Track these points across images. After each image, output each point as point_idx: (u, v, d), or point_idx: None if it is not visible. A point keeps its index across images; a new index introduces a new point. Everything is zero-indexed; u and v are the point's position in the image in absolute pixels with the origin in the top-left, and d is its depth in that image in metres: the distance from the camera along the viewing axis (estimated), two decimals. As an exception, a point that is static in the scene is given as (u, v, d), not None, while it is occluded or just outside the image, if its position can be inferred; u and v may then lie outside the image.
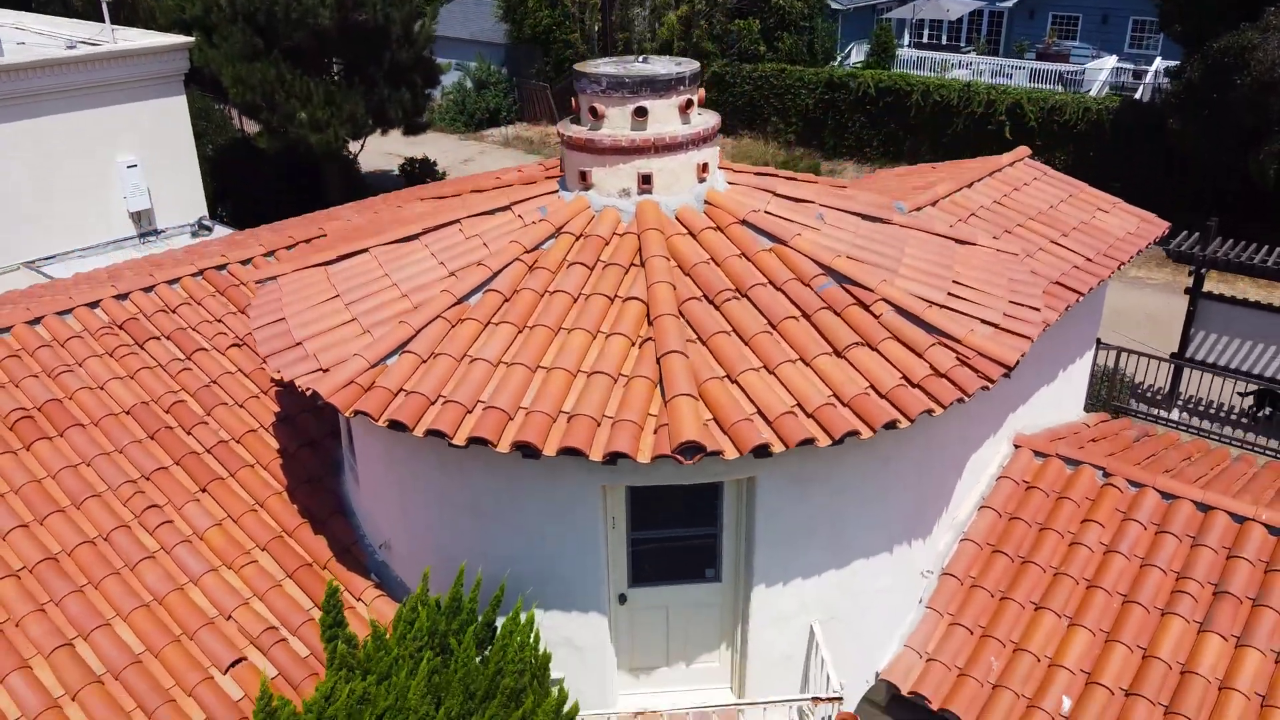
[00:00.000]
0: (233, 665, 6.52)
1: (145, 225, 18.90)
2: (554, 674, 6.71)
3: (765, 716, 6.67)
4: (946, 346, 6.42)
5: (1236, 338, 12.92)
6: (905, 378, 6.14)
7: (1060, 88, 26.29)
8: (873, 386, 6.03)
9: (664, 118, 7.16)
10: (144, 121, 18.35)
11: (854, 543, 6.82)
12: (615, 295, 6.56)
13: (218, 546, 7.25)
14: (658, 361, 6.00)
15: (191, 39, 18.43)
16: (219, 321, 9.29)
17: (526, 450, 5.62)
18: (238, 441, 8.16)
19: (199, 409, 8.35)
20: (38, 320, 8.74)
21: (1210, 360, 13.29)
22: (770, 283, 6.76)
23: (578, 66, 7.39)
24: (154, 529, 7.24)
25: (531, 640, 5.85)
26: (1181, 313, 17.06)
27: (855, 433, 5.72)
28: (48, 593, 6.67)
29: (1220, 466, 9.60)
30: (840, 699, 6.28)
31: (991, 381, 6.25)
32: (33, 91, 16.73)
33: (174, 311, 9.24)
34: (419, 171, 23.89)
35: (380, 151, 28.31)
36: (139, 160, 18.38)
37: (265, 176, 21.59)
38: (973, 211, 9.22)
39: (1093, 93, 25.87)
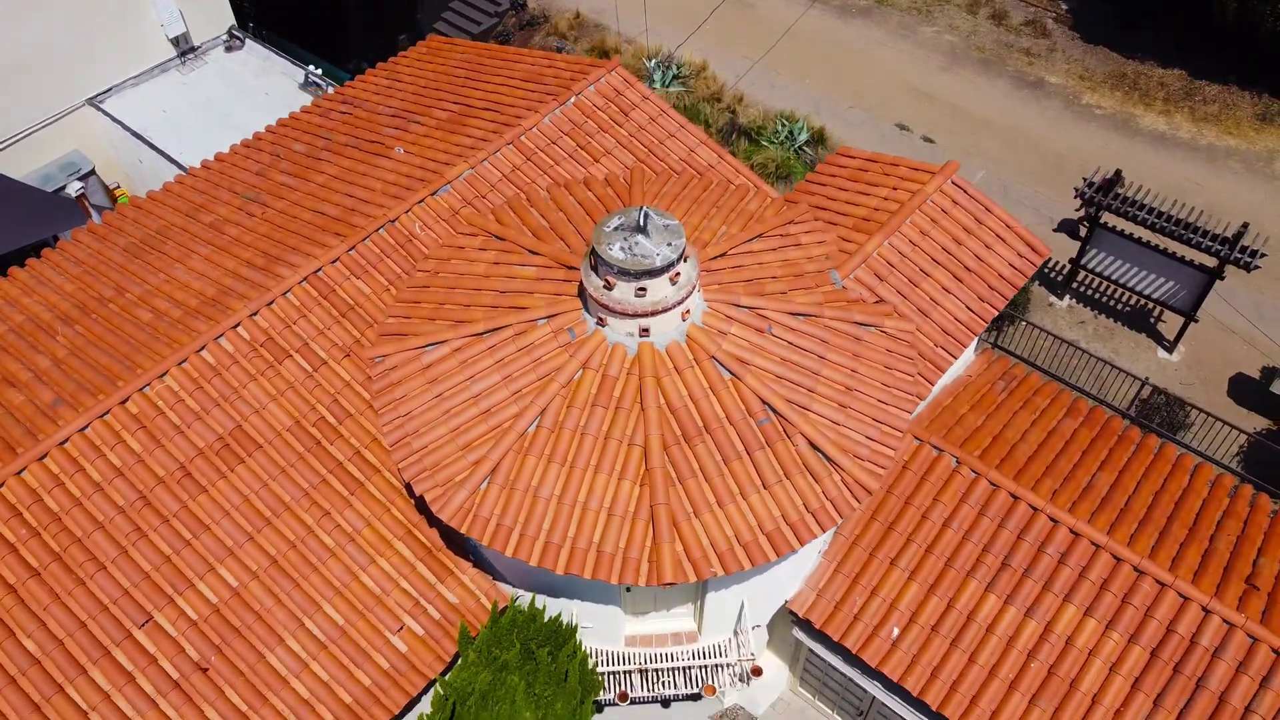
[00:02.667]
0: (398, 631, 11.00)
1: (183, 45, 20.43)
2: (586, 623, 11.28)
3: (711, 656, 11.35)
4: (837, 471, 10.09)
5: (1120, 259, 15.92)
6: (805, 505, 9.91)
7: None
8: (784, 517, 9.83)
9: (658, 288, 10.08)
10: (168, -50, 19.19)
11: (776, 565, 10.99)
12: (624, 439, 10.06)
13: (370, 543, 11.37)
14: (651, 509, 9.75)
15: None
16: (328, 333, 12.50)
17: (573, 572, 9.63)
18: (366, 449, 11.93)
19: (333, 420, 12.00)
20: (203, 348, 12.04)
21: (1099, 270, 16.42)
22: (728, 418, 10.20)
23: (596, 246, 10.07)
24: (330, 531, 11.32)
25: (579, 648, 10.28)
26: (1120, 158, 19.59)
27: (767, 559, 9.66)
28: (280, 588, 10.94)
29: (1055, 422, 13.39)
30: (753, 659, 10.87)
31: (860, 503, 10.03)
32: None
33: (294, 326, 12.45)
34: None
35: None
36: (168, -13, 19.49)
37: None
38: (893, 264, 12.12)
39: None
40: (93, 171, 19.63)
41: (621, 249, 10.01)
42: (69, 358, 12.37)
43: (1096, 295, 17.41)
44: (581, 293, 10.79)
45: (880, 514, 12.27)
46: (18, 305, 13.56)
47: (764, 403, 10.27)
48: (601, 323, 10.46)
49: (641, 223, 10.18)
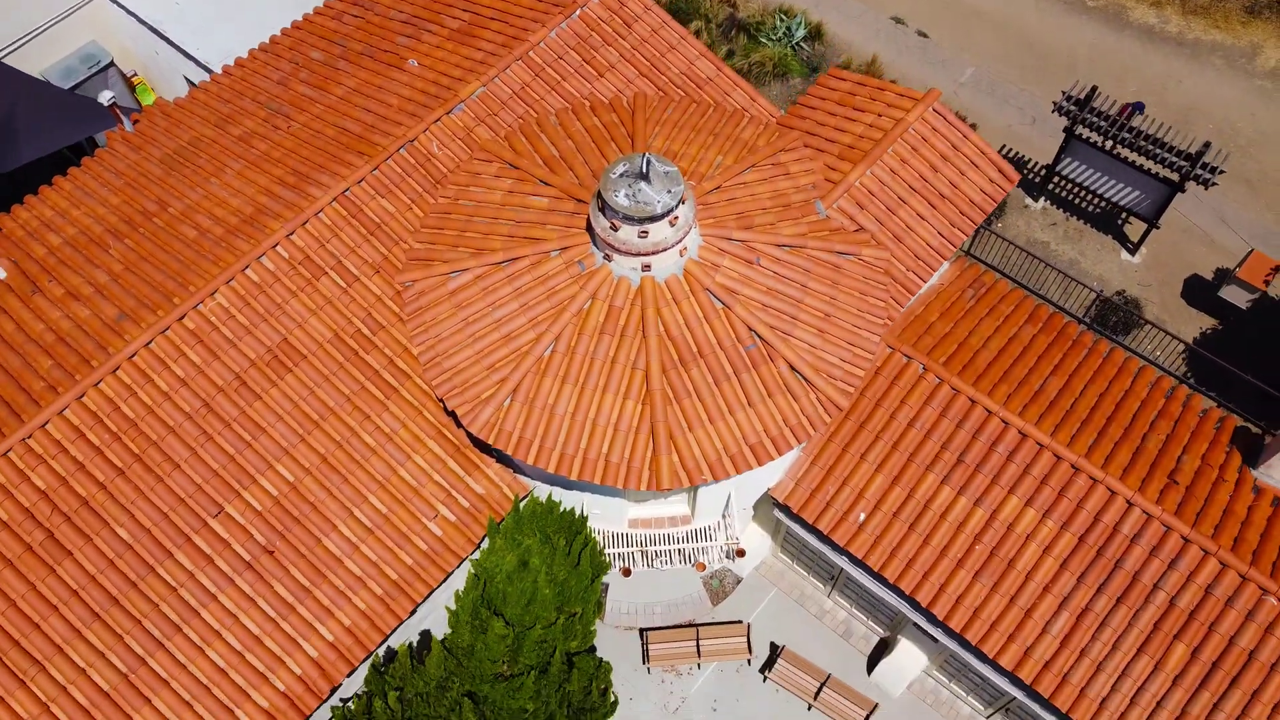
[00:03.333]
0: (434, 518, 12.79)
1: (189, -67, 20.54)
2: (595, 510, 13.09)
3: (703, 538, 13.20)
4: (812, 391, 11.61)
5: (1092, 168, 16.88)
6: (784, 421, 11.48)
7: None
8: (765, 431, 11.42)
9: (659, 230, 11.31)
10: None
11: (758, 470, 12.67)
12: (628, 363, 11.53)
13: (406, 442, 13.00)
14: (652, 425, 11.31)
15: None
16: (358, 250, 13.74)
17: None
18: (399, 358, 13.39)
19: (368, 332, 13.41)
20: (247, 267, 13.31)
21: (1072, 176, 17.41)
22: (719, 344, 11.63)
23: (603, 192, 11.22)
24: (371, 433, 12.94)
25: (589, 536, 12.10)
26: (1109, 56, 20.17)
27: (750, 468, 11.31)
28: (331, 482, 12.64)
29: (1016, 329, 14.81)
30: (738, 542, 12.71)
31: (830, 418, 11.60)
32: None
33: (328, 245, 13.68)
34: None
35: None
36: (171, -126, 19.51)
37: None
38: (873, 193, 13.24)
39: None
40: (111, 63, 20.21)
41: (626, 196, 11.16)
42: (124, 273, 13.65)
43: (1069, 198, 18.52)
44: (590, 228, 12.00)
45: (854, 413, 13.87)
46: (68, 216, 14.70)
47: (751, 330, 11.68)
48: (608, 258, 11.73)
49: (644, 170, 11.28)
